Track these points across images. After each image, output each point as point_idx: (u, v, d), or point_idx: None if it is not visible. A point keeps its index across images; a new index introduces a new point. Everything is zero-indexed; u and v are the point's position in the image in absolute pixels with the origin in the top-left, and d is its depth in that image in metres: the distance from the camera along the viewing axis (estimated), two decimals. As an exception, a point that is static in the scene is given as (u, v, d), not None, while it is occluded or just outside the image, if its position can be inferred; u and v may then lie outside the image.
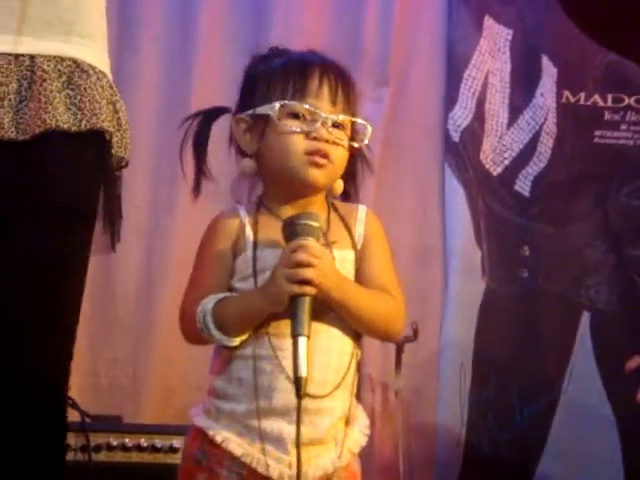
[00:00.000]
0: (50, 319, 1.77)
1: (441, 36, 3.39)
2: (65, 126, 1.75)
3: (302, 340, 1.64)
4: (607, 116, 3.39)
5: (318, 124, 1.75)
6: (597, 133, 3.39)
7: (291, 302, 1.66)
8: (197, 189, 1.86)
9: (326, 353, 1.72)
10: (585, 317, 3.30)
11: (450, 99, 3.37)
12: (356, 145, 1.81)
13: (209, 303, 1.72)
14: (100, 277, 3.08)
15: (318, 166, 1.76)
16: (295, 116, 1.76)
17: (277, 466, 1.70)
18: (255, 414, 1.70)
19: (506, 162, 3.37)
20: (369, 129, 1.83)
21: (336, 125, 1.77)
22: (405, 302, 1.80)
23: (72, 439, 2.48)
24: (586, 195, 3.35)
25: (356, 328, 1.76)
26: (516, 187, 3.36)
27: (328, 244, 1.74)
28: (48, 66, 1.77)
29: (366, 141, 1.83)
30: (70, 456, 2.46)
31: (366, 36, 3.34)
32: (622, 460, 3.22)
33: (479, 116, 3.37)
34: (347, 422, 1.76)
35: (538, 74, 3.39)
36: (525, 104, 3.39)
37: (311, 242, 1.68)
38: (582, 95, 3.39)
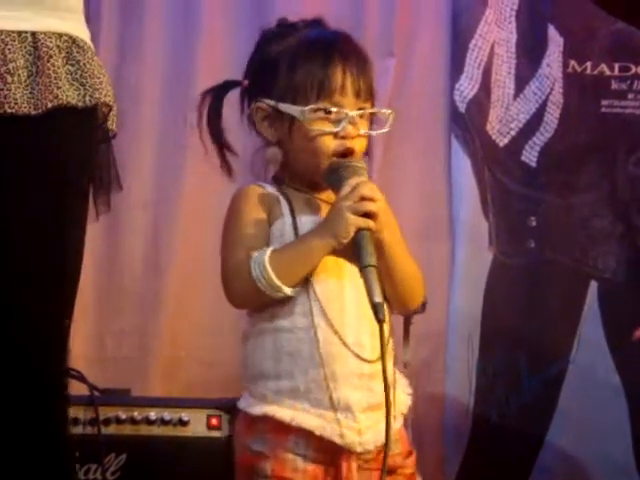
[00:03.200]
0: (48, 289, 1.78)
1: (446, 6, 3.37)
2: (74, 101, 1.78)
3: (373, 270, 1.67)
4: (614, 85, 3.37)
5: (345, 123, 1.77)
6: (604, 102, 3.37)
7: (354, 237, 1.70)
8: (225, 165, 1.88)
9: (370, 319, 1.72)
10: (593, 287, 3.30)
11: (456, 70, 3.35)
12: (374, 133, 1.85)
13: (263, 253, 1.72)
14: (106, 249, 3.08)
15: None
16: (322, 112, 1.77)
17: (349, 434, 1.72)
18: (317, 385, 1.71)
19: (512, 133, 3.36)
20: (390, 116, 1.85)
21: (363, 113, 1.81)
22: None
23: (81, 413, 2.49)
24: (593, 165, 3.34)
25: (390, 285, 1.78)
26: (523, 157, 3.35)
27: None
28: (50, 42, 1.79)
29: (386, 129, 1.86)
30: (79, 429, 2.48)
31: (370, 7, 3.32)
32: (631, 429, 3.22)
33: (485, 86, 3.36)
34: (394, 387, 1.78)
35: (544, 44, 3.37)
36: (531, 74, 3.37)
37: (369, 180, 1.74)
38: (589, 64, 3.37)
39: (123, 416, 2.52)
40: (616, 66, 3.37)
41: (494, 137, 3.35)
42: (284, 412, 1.72)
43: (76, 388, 2.71)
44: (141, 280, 3.10)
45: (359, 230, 1.69)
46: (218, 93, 1.88)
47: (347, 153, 1.78)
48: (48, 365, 1.78)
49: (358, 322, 1.71)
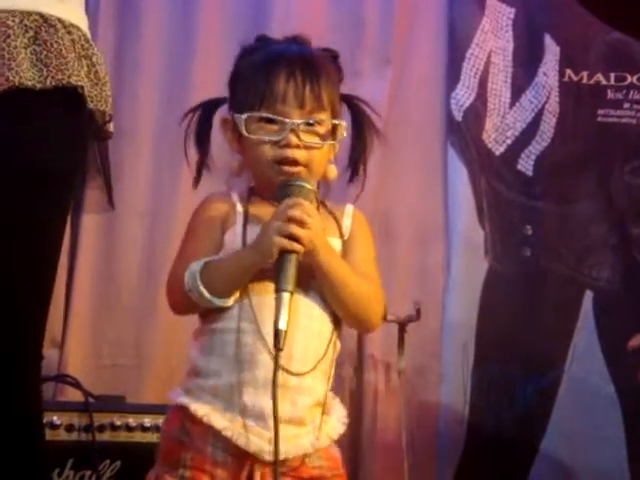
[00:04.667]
0: (19, 281, 1.76)
1: (443, 15, 3.38)
2: (29, 83, 1.73)
3: (285, 295, 1.66)
4: (610, 94, 3.38)
5: (286, 132, 1.75)
6: (600, 112, 3.38)
7: (279, 258, 1.68)
8: (197, 180, 1.85)
9: (306, 332, 1.73)
10: (588, 296, 3.31)
11: (452, 78, 3.36)
12: (330, 142, 1.80)
13: (197, 265, 1.73)
14: (102, 258, 3.08)
15: (290, 174, 1.76)
16: (267, 121, 1.76)
17: (257, 441, 1.70)
18: (237, 388, 1.71)
19: (508, 141, 3.36)
20: (343, 126, 1.81)
21: (311, 124, 1.77)
22: (384, 298, 1.81)
23: (76, 419, 2.49)
24: (589, 174, 3.35)
25: (336, 305, 1.76)
26: (519, 166, 3.35)
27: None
28: (13, 21, 1.74)
29: (340, 138, 1.80)
30: (74, 436, 2.48)
31: (368, 15, 3.33)
32: (625, 438, 3.22)
33: (481, 95, 3.36)
34: (324, 411, 1.77)
35: (541, 53, 3.38)
36: (527, 83, 3.38)
37: (306, 202, 1.70)
38: (585, 74, 3.38)
39: (118, 423, 2.52)
40: (612, 76, 3.38)
41: (490, 146, 3.36)
42: (199, 407, 1.72)
43: (71, 395, 2.72)
44: (137, 289, 3.09)
45: (284, 252, 1.68)
46: (208, 106, 1.87)
47: (286, 162, 1.75)
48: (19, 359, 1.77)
49: (291, 334, 1.68)
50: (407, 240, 3.27)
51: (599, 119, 3.37)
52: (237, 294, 1.73)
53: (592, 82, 3.37)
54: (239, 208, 1.79)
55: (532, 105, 3.37)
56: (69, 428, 2.48)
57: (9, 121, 1.75)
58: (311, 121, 1.77)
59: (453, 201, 3.34)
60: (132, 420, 2.52)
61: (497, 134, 3.36)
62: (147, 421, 2.53)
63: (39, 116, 1.77)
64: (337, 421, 1.80)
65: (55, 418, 2.46)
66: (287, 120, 1.75)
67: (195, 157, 1.84)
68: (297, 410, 1.72)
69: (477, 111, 3.36)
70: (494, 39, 3.37)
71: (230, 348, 1.72)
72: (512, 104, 3.37)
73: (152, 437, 2.52)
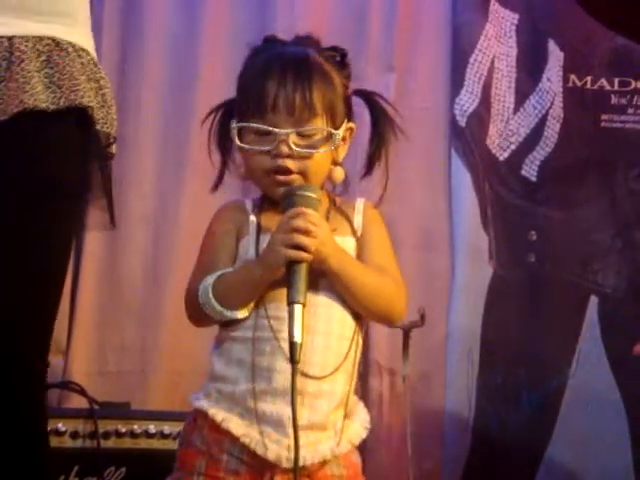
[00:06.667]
0: (26, 297, 1.77)
1: (446, 21, 3.38)
2: (43, 105, 1.76)
3: (297, 307, 1.65)
4: (614, 100, 3.38)
5: (276, 142, 1.73)
6: (604, 117, 3.38)
7: (287, 269, 1.67)
8: (217, 184, 1.85)
9: (325, 335, 1.73)
10: (593, 301, 3.30)
11: (456, 84, 3.36)
12: (323, 150, 1.76)
13: (210, 278, 1.73)
14: (107, 264, 3.08)
15: (283, 183, 1.75)
16: (260, 130, 1.74)
17: (276, 448, 1.70)
18: (253, 395, 1.70)
19: (512, 147, 3.36)
20: (339, 135, 1.77)
21: (302, 134, 1.74)
22: (406, 286, 1.79)
23: (81, 426, 2.49)
24: (593, 179, 3.35)
25: (356, 306, 1.75)
26: (523, 172, 3.35)
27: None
28: (26, 46, 1.77)
29: (337, 144, 1.77)
30: (79, 443, 2.48)
31: (371, 22, 3.33)
32: (631, 444, 3.22)
33: (485, 101, 3.37)
34: (346, 415, 1.77)
35: (544, 58, 3.38)
36: (531, 88, 3.38)
37: (309, 210, 1.69)
38: (589, 79, 3.38)
39: (123, 429, 2.52)
40: (616, 81, 3.38)
41: (494, 151, 3.36)
42: (218, 412, 1.72)
43: (76, 401, 2.72)
44: (141, 294, 3.10)
45: (291, 263, 1.66)
46: (227, 107, 1.85)
47: (280, 171, 1.74)
48: (24, 376, 1.78)
49: (310, 339, 1.69)
50: (411, 246, 3.26)
51: (603, 124, 3.37)
52: (251, 306, 1.72)
53: (596, 87, 3.37)
54: (252, 218, 1.78)
55: (536, 110, 3.37)
56: (74, 435, 2.48)
57: (22, 142, 1.77)
58: (301, 130, 1.74)
59: (457, 206, 3.34)
60: (137, 427, 2.52)
61: (501, 139, 3.36)
62: (152, 428, 2.52)
63: (51, 136, 1.80)
64: (360, 425, 1.79)
65: (60, 425, 2.46)
66: (276, 130, 1.73)
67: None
68: (317, 415, 1.71)
69: (481, 117, 3.36)
70: (498, 45, 3.38)
71: (247, 356, 1.71)
72: (516, 110, 3.37)
73: (157, 444, 2.52)
